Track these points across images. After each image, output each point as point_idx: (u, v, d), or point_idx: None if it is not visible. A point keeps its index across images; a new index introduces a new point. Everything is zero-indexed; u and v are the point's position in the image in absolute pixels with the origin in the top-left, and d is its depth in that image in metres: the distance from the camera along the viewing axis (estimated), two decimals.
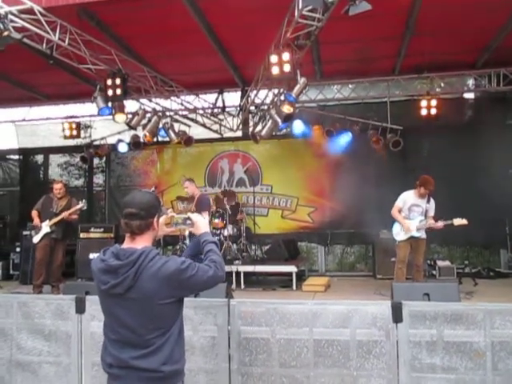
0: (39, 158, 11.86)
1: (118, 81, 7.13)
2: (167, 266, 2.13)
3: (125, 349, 2.14)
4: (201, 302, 3.29)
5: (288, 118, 8.14)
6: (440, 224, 6.46)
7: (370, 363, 3.13)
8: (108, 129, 10.28)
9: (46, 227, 7.22)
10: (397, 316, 3.08)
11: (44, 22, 6.13)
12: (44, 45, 6.46)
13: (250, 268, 8.14)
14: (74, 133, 10.21)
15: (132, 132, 9.57)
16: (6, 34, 5.79)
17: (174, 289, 2.15)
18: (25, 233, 8.85)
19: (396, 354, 3.14)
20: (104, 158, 10.91)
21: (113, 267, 2.14)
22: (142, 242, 2.21)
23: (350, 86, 9.23)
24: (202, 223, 2.48)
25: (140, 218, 2.19)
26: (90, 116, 10.15)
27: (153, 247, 2.23)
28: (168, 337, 2.16)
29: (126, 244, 2.24)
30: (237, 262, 8.32)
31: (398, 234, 6.70)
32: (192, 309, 3.24)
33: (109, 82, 7.15)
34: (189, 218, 2.46)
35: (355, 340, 3.12)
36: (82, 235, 8.85)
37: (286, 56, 6.31)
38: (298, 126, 9.18)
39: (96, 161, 11.18)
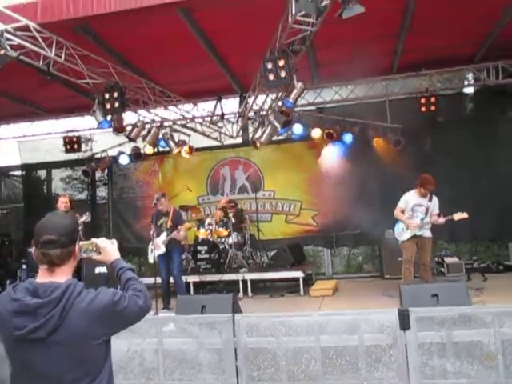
0: (42, 173, 11.90)
1: (115, 94, 7.12)
2: (99, 299, 1.87)
3: None
4: (205, 318, 3.26)
5: (287, 123, 8.13)
6: (441, 220, 6.47)
7: (379, 372, 3.09)
8: (109, 141, 10.28)
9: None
10: (404, 323, 3.04)
11: (40, 39, 6.15)
12: (41, 61, 6.47)
13: (256, 276, 8.12)
14: (75, 146, 10.26)
15: (132, 143, 9.58)
16: (2, 52, 5.81)
17: (107, 325, 1.90)
18: (29, 250, 8.85)
19: (406, 361, 3.10)
20: (106, 171, 10.91)
21: (30, 307, 1.80)
22: (63, 275, 1.91)
23: (349, 86, 9.18)
24: (111, 249, 2.18)
25: (61, 245, 1.88)
26: (90, 129, 10.16)
27: (76, 280, 1.92)
28: None
29: (43, 277, 1.89)
30: (243, 269, 8.30)
31: (401, 234, 6.71)
32: (197, 325, 3.22)
33: (106, 95, 7.14)
34: (95, 244, 2.15)
35: (363, 349, 3.08)
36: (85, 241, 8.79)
37: (281, 62, 6.29)
38: (298, 130, 9.17)
39: (98, 173, 11.20)
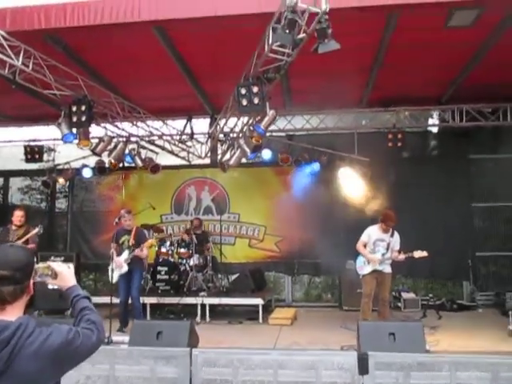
0: None
1: (83, 107, 6.94)
2: (51, 339, 1.73)
3: None
4: (161, 351, 3.14)
5: (257, 148, 8.14)
6: (401, 257, 6.59)
7: None
8: (72, 152, 9.98)
9: None
10: (363, 368, 3.01)
11: (7, 47, 5.93)
12: (6, 69, 6.23)
13: (215, 300, 8.01)
14: (37, 156, 9.93)
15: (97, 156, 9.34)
16: None
17: (59, 366, 1.77)
18: None
19: None
20: (67, 183, 10.58)
21: None
22: (15, 312, 1.76)
23: (319, 116, 9.30)
24: (68, 274, 2.07)
25: (15, 282, 1.75)
26: (54, 140, 9.82)
27: (28, 317, 1.78)
28: None
29: None
30: (202, 293, 8.16)
31: (362, 268, 6.78)
32: (152, 359, 3.09)
33: (74, 108, 6.95)
34: (51, 268, 2.03)
35: None
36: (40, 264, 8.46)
37: (255, 89, 6.30)
38: (267, 155, 9.20)
39: (59, 185, 10.82)
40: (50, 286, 7.35)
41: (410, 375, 2.98)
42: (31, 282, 1.86)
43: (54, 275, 2.05)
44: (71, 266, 2.18)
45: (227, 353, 3.19)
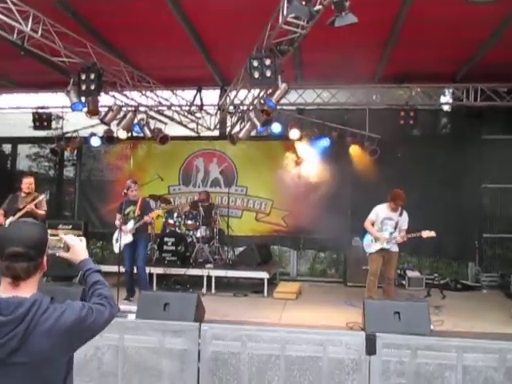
0: (7, 148, 11.42)
1: (92, 75, 6.84)
2: (65, 317, 1.73)
3: None
4: (170, 325, 3.17)
5: (267, 122, 8.05)
6: (409, 236, 6.54)
7: None
8: (80, 121, 9.92)
9: (9, 223, 6.92)
10: (370, 348, 3.03)
11: (15, 11, 5.81)
12: (15, 35, 6.13)
13: (221, 273, 8.07)
14: (45, 123, 9.86)
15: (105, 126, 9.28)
16: None
17: (72, 342, 1.79)
18: None
19: None
20: (75, 151, 10.56)
21: None
22: (29, 289, 1.76)
23: (331, 91, 9.15)
24: (80, 248, 2.08)
25: (28, 258, 1.74)
26: (63, 107, 9.73)
27: (42, 294, 1.78)
28: None
29: (6, 291, 1.74)
30: (208, 265, 8.22)
31: (370, 246, 6.76)
32: (160, 332, 3.12)
33: (83, 76, 6.86)
34: (63, 241, 2.04)
35: (327, 372, 3.06)
36: (49, 232, 8.52)
37: (267, 61, 6.18)
38: (276, 129, 9.11)
39: (67, 153, 10.82)
40: (57, 254, 7.45)
41: (416, 354, 3.01)
42: (45, 258, 1.85)
43: (67, 248, 2.06)
44: (83, 239, 2.18)
45: (236, 329, 3.21)
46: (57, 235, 2.09)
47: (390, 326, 4.48)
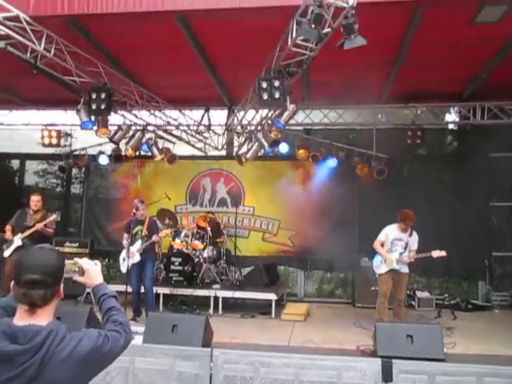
0: (15, 164, 11.49)
1: (102, 95, 6.92)
2: (82, 346, 1.71)
3: None
4: (182, 350, 3.12)
5: (275, 143, 8.08)
6: (419, 256, 6.48)
7: None
8: (89, 139, 9.99)
9: (18, 240, 6.93)
10: (387, 375, 2.96)
11: (29, 31, 5.91)
12: (28, 54, 6.22)
13: (228, 293, 7.98)
14: (54, 141, 9.95)
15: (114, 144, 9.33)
16: None
17: (89, 372, 1.77)
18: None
19: None
20: (83, 169, 10.60)
21: (8, 354, 1.60)
22: (45, 316, 1.73)
23: (338, 111, 9.18)
24: (95, 272, 2.05)
25: (45, 286, 1.71)
26: (72, 125, 9.82)
27: (59, 322, 1.76)
28: None
29: (23, 319, 1.70)
30: (216, 286, 8.15)
31: (379, 267, 6.69)
32: (172, 357, 3.07)
33: (93, 95, 6.93)
34: (78, 265, 2.01)
35: None
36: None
37: (276, 83, 6.22)
38: (284, 149, 9.13)
39: (75, 170, 10.87)
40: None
41: (435, 380, 2.94)
42: (61, 285, 1.83)
43: (82, 272, 2.04)
44: (98, 263, 2.16)
45: (248, 355, 3.15)
46: (72, 259, 2.06)
47: (402, 349, 4.40)
